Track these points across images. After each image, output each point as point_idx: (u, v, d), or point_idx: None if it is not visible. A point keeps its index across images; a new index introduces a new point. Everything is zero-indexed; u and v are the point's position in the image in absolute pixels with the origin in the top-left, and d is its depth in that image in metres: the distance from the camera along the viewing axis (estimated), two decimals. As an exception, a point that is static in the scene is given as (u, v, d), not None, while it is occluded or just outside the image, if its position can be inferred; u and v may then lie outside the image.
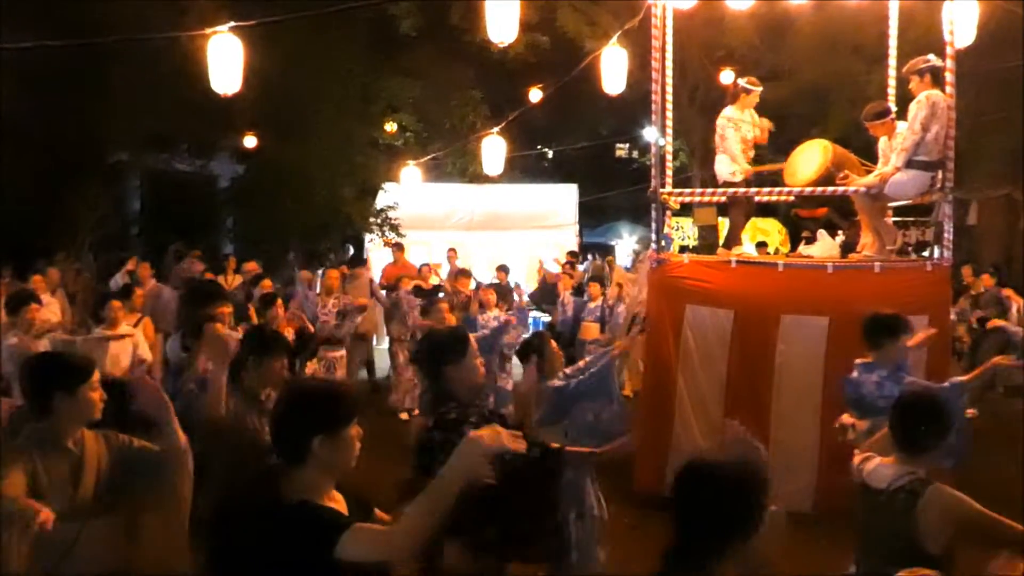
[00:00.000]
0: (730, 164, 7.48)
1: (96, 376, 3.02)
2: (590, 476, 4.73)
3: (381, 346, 12.04)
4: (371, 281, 11.75)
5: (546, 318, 12.13)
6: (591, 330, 9.68)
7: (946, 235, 6.62)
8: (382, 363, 11.33)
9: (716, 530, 2.04)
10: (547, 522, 3.04)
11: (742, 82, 7.64)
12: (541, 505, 2.99)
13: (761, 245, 14.96)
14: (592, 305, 9.86)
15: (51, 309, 8.59)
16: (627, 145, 28.60)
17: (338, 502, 2.40)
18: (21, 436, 2.94)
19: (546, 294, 11.86)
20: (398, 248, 13.40)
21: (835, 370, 6.44)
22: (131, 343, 6.96)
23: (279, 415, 2.42)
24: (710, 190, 7.72)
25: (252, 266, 11.50)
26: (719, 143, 7.55)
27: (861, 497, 3.18)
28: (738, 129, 7.47)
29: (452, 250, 13.86)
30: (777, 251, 16.63)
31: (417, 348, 3.69)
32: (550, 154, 26.55)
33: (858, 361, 4.66)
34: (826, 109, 15.02)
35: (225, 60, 6.27)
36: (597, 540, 4.88)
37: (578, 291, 10.93)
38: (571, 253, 14.56)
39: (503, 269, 12.27)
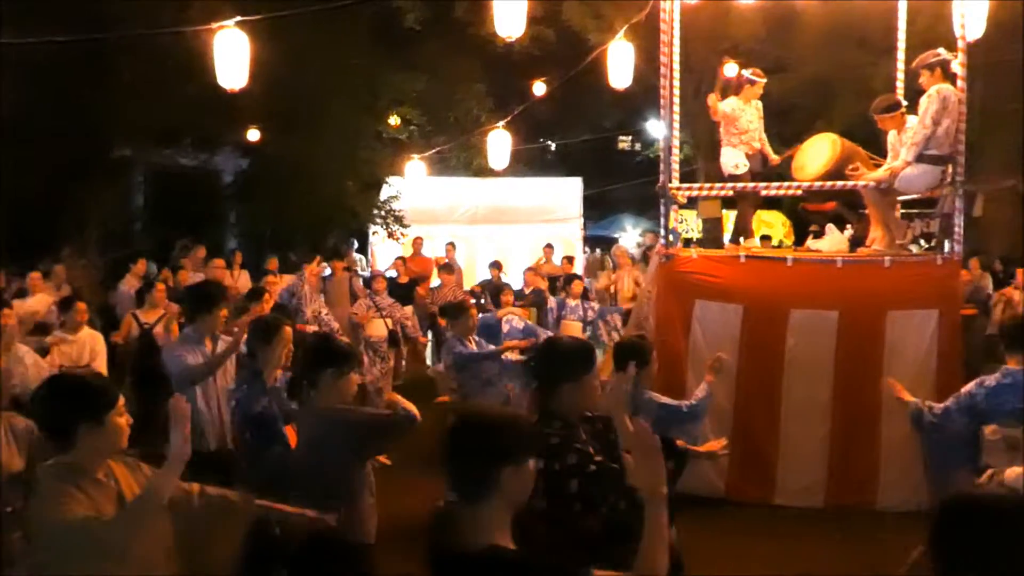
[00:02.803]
0: (734, 156, 7.57)
1: (122, 400, 2.72)
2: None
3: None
4: (353, 279, 11.65)
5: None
6: (572, 328, 9.16)
7: (956, 229, 6.57)
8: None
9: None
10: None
11: (747, 73, 7.71)
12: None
13: (765, 238, 14.90)
14: (572, 303, 9.58)
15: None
16: (631, 138, 28.56)
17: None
18: (48, 472, 2.59)
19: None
20: (417, 243, 13.65)
21: (845, 365, 6.45)
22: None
23: (458, 446, 2.15)
24: (718, 184, 7.69)
25: (219, 263, 10.98)
26: (723, 135, 7.66)
27: None
28: (737, 119, 7.57)
29: (450, 244, 13.82)
30: (781, 244, 16.61)
31: (534, 358, 3.34)
32: (554, 147, 26.48)
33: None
34: (831, 101, 14.95)
35: (231, 55, 6.24)
36: None
37: (551, 288, 10.70)
38: (548, 247, 13.93)
39: (496, 266, 12.12)
